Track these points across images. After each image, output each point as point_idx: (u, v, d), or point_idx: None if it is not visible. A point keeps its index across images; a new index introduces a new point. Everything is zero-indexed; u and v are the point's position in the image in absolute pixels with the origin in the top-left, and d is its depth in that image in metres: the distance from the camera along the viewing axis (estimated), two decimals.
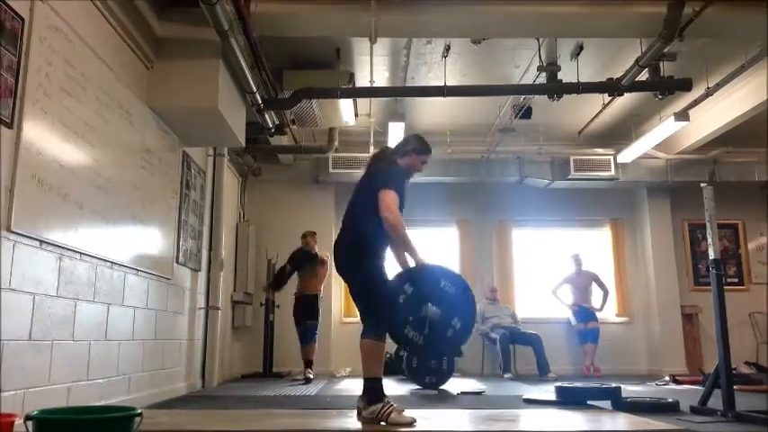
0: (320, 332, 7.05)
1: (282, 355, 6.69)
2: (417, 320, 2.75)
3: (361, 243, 3.07)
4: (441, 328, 2.75)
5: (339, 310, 7.37)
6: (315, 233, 6.24)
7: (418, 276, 2.82)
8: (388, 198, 2.99)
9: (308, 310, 6.03)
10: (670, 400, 3.82)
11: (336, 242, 3.19)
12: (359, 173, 7.08)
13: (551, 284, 7.42)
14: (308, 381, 5.80)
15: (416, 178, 7.18)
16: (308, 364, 5.94)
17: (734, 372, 3.99)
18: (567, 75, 5.03)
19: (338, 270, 3.19)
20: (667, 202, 7.68)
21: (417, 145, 3.29)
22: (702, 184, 3.68)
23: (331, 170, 7.05)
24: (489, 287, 7.28)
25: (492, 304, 7.16)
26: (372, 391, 2.97)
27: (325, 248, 7.32)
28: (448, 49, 5.05)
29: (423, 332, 2.74)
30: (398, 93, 5.63)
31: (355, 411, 3.15)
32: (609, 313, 7.64)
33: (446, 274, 2.86)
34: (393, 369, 5.87)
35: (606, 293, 7.32)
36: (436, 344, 2.75)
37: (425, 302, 2.76)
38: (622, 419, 3.37)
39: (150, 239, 4.08)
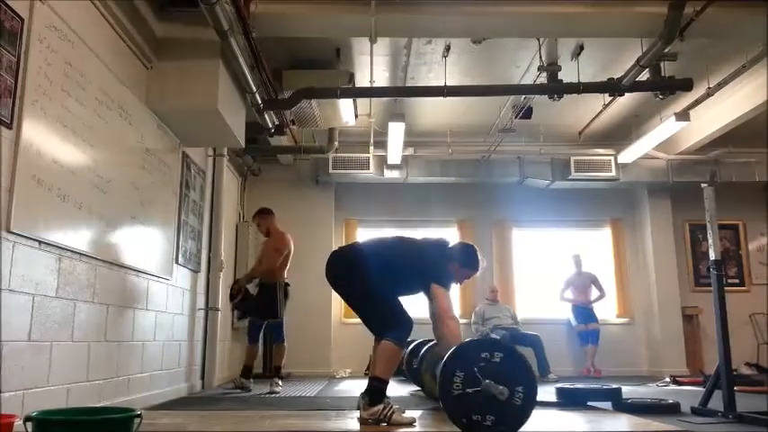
0: (318, 333, 7.06)
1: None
2: (479, 405, 2.54)
3: (376, 280, 3.08)
4: (507, 401, 2.54)
5: (339, 311, 7.36)
6: (270, 211, 5.26)
7: (458, 359, 2.65)
8: (449, 300, 3.05)
9: (265, 305, 5.03)
10: (671, 401, 3.81)
11: (349, 254, 3.27)
12: (359, 173, 7.18)
13: (558, 291, 7.42)
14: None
15: (417, 179, 7.31)
16: (277, 370, 5.09)
17: (734, 373, 3.98)
18: (567, 75, 5.02)
19: (338, 277, 3.22)
20: (668, 202, 7.67)
21: (468, 260, 3.26)
22: (703, 185, 3.67)
23: (331, 170, 7.07)
24: (489, 288, 7.27)
25: (492, 305, 7.15)
26: (376, 392, 2.98)
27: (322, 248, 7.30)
28: (448, 49, 5.05)
29: (487, 413, 2.53)
30: (398, 93, 5.62)
31: (355, 412, 3.17)
32: (609, 314, 7.64)
33: (480, 344, 2.72)
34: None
35: (602, 297, 7.32)
36: (509, 417, 2.53)
37: (483, 380, 2.55)
38: (623, 420, 3.36)
39: (150, 240, 4.08)
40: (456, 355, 2.68)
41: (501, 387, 2.53)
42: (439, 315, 3.02)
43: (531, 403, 2.59)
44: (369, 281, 3.08)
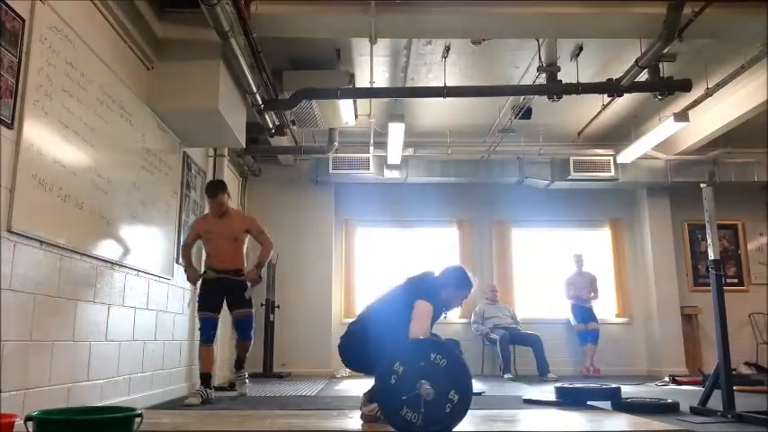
0: (318, 332, 7.06)
1: (283, 355, 6.71)
2: (412, 399, 2.55)
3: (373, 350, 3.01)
4: (438, 404, 2.55)
5: (339, 311, 7.37)
6: (222, 184, 4.32)
7: (406, 352, 2.68)
8: (426, 312, 2.97)
9: (234, 293, 4.23)
10: (670, 400, 3.82)
11: (349, 338, 3.22)
12: (359, 173, 7.19)
13: (562, 293, 7.40)
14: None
15: (417, 179, 7.32)
16: (240, 363, 4.41)
17: (734, 372, 3.98)
18: (566, 75, 5.03)
19: (352, 363, 3.24)
20: (667, 202, 7.68)
21: (458, 281, 3.21)
22: (702, 185, 3.67)
23: (331, 171, 7.08)
24: (489, 287, 7.28)
25: (492, 304, 7.16)
26: (376, 391, 3.01)
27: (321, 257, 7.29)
28: (448, 49, 5.05)
29: (420, 411, 2.54)
30: (398, 93, 5.62)
31: (355, 411, 3.23)
32: (609, 314, 7.65)
33: (434, 345, 2.70)
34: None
35: (596, 298, 7.31)
36: (436, 422, 2.55)
37: (418, 380, 2.57)
38: (622, 420, 3.37)
39: (151, 240, 4.08)
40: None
41: (428, 387, 2.53)
42: (413, 322, 2.95)
43: (458, 412, 2.59)
44: (374, 343, 3.01)
